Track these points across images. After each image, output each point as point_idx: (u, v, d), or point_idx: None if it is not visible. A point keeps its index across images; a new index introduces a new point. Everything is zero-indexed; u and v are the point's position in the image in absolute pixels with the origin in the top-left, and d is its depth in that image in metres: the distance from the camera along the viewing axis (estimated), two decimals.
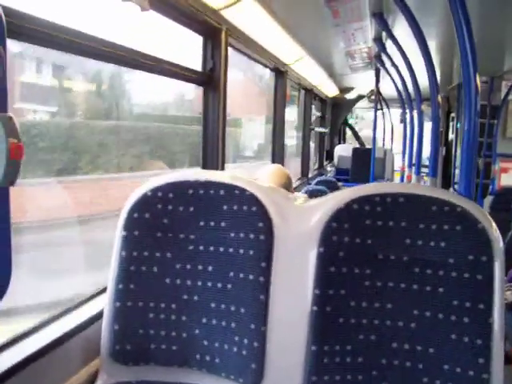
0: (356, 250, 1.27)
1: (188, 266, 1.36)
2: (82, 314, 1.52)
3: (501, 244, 1.22)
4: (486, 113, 6.12)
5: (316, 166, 8.30)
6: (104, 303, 1.39)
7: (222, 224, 1.34)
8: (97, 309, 1.53)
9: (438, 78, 6.10)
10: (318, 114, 8.10)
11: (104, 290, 1.46)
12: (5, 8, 1.15)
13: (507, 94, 5.86)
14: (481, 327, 1.21)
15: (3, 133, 0.98)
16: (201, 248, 1.35)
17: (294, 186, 5.45)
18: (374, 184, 1.39)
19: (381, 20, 3.34)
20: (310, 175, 6.74)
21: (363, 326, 1.27)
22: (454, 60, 4.98)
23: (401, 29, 3.39)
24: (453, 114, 8.35)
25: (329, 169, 8.63)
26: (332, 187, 4.50)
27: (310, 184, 5.25)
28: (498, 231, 1.23)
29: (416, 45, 2.91)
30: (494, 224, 1.23)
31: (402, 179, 6.22)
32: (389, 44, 3.99)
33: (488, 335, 1.21)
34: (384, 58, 4.60)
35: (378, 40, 4.10)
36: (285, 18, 3.13)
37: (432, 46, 3.96)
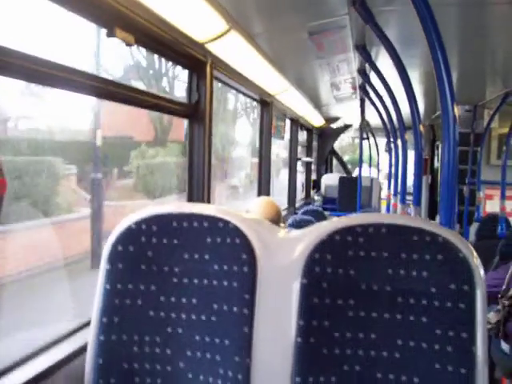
0: (339, 281, 1.27)
1: (172, 299, 1.36)
2: (65, 348, 1.51)
3: (482, 272, 1.23)
4: (470, 140, 6.20)
5: (303, 196, 8.33)
6: (88, 337, 1.39)
7: (206, 256, 1.34)
8: (80, 342, 1.52)
9: (423, 107, 6.21)
10: (304, 143, 8.16)
11: (88, 324, 1.45)
12: None
13: (490, 122, 5.95)
14: (464, 356, 1.22)
15: None
16: (185, 280, 1.36)
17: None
18: (357, 215, 1.41)
19: (364, 52, 3.40)
20: (296, 205, 6.76)
21: (347, 356, 1.27)
22: (437, 90, 5.06)
23: (383, 60, 3.45)
24: (438, 142, 8.45)
25: (316, 198, 8.66)
26: (319, 217, 4.52)
27: (296, 214, 5.26)
28: (478, 260, 1.24)
29: (399, 75, 2.96)
30: (475, 253, 1.25)
31: (387, 207, 6.25)
32: (373, 75, 4.05)
33: (472, 364, 1.21)
34: (368, 88, 4.67)
35: (362, 71, 4.17)
36: (269, 51, 3.18)
37: (415, 76, 4.03)
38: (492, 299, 3.13)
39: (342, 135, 10.12)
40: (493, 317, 3.21)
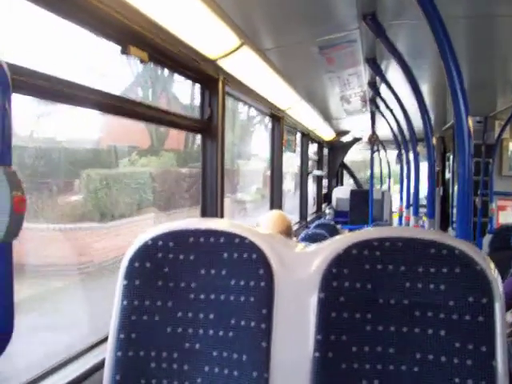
0: (356, 295, 1.27)
1: (189, 315, 1.36)
2: (83, 364, 1.51)
3: (500, 285, 1.22)
4: (482, 152, 6.18)
5: (314, 209, 8.32)
6: (105, 353, 1.39)
7: (223, 272, 1.34)
8: (97, 359, 1.52)
9: (433, 119, 6.19)
10: (315, 157, 8.17)
11: (105, 340, 1.45)
12: (9, 65, 1.19)
13: (501, 133, 5.93)
14: (484, 370, 1.21)
15: (7, 186, 1.00)
16: (202, 296, 1.36)
17: (294, 229, 5.46)
18: (373, 229, 1.41)
19: (374, 65, 3.42)
20: (308, 219, 6.76)
21: (366, 371, 1.26)
22: (448, 101, 5.07)
23: (394, 73, 3.46)
24: (448, 154, 8.43)
25: (327, 211, 8.65)
26: (331, 230, 4.51)
27: (308, 228, 5.25)
28: (496, 272, 1.24)
29: (409, 88, 2.97)
30: (492, 265, 1.24)
31: (400, 220, 6.22)
32: (383, 88, 4.07)
33: (492, 378, 1.20)
34: (379, 101, 4.68)
35: (372, 84, 4.18)
36: (280, 66, 3.20)
37: (425, 88, 4.04)
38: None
39: (354, 151, 10.12)
40: (510, 317, 3.18)
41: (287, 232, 2.56)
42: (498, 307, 1.21)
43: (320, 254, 1.31)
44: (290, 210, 6.31)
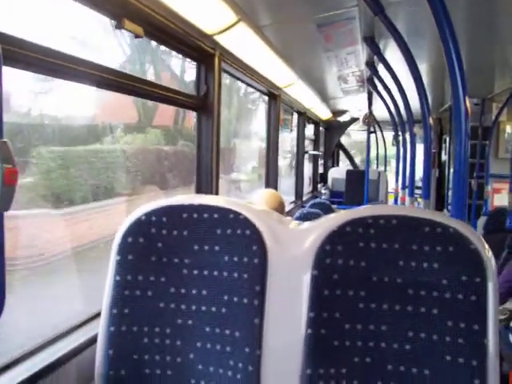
0: (350, 273, 1.27)
1: (182, 290, 1.36)
2: (76, 338, 1.51)
3: (493, 264, 1.22)
4: (478, 134, 6.17)
5: (310, 189, 8.32)
6: (98, 328, 1.39)
7: (216, 248, 1.34)
8: (90, 334, 1.52)
9: (430, 100, 6.17)
10: (312, 137, 8.15)
11: (98, 315, 1.45)
12: (0, 34, 1.17)
13: (498, 116, 5.92)
14: (475, 348, 1.21)
15: None
16: (195, 272, 1.35)
17: (289, 208, 5.46)
18: (367, 206, 1.40)
19: (372, 44, 3.39)
20: (304, 198, 6.76)
21: (358, 348, 1.27)
22: (445, 82, 5.04)
23: (392, 52, 3.43)
24: (445, 136, 8.42)
25: (323, 191, 8.65)
26: (326, 210, 4.50)
27: (304, 207, 5.25)
28: (490, 252, 1.24)
29: (407, 68, 2.95)
30: (486, 245, 1.24)
31: (395, 201, 6.23)
32: (381, 67, 4.04)
33: (483, 356, 1.21)
34: (376, 81, 4.65)
35: (370, 64, 4.15)
36: (277, 43, 3.17)
37: (423, 68, 4.01)
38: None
39: (356, 132, 10.09)
40: (509, 304, 3.22)
41: (280, 211, 2.56)
42: (491, 286, 1.21)
43: (314, 232, 1.30)
44: (285, 191, 6.27)
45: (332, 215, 1.38)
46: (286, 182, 6.89)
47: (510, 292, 3.28)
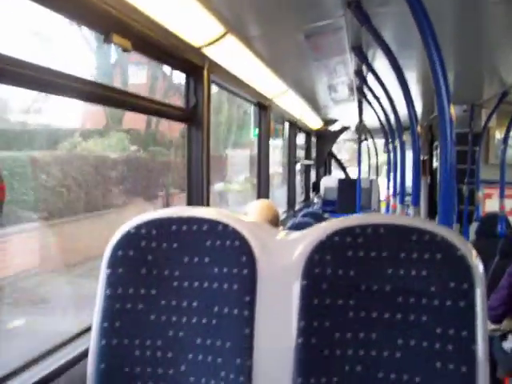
0: (339, 282, 1.28)
1: (173, 303, 1.36)
2: (67, 353, 1.51)
3: (481, 270, 1.23)
4: (468, 140, 6.21)
5: (302, 198, 8.33)
6: (89, 342, 1.39)
7: (206, 259, 1.34)
8: (82, 348, 1.52)
9: (420, 107, 6.22)
10: (303, 146, 8.17)
11: (89, 329, 1.45)
12: None
13: (487, 122, 5.96)
14: (465, 354, 1.22)
15: None
16: (185, 284, 1.36)
17: (281, 218, 5.46)
18: (355, 216, 1.41)
19: (360, 54, 3.41)
20: (296, 207, 6.77)
21: (349, 357, 1.27)
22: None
23: (380, 62, 3.46)
24: (436, 143, 8.46)
25: (315, 200, 8.67)
26: (318, 219, 4.52)
27: (296, 217, 5.26)
28: (478, 258, 1.25)
29: (396, 76, 2.97)
30: (474, 251, 1.25)
31: (387, 208, 6.24)
32: (370, 77, 4.07)
33: (472, 362, 1.21)
34: (365, 90, 4.68)
35: (359, 73, 4.18)
36: (266, 54, 3.19)
37: (412, 77, 4.04)
38: None
39: (343, 142, 10.12)
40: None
41: (274, 221, 2.56)
42: (479, 292, 1.22)
43: (302, 241, 1.31)
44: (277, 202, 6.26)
45: (320, 225, 1.38)
46: (279, 192, 6.89)
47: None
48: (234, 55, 2.85)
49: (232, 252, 1.32)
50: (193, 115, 2.56)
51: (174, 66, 2.58)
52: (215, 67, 2.74)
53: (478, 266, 1.23)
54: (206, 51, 2.52)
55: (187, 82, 2.59)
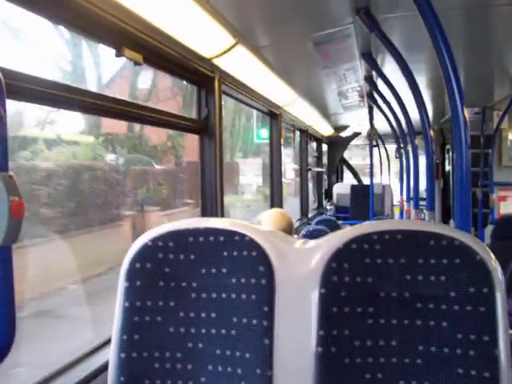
0: (357, 289, 1.27)
1: (191, 314, 1.36)
2: (87, 366, 1.52)
3: (500, 274, 1.23)
4: (480, 143, 6.17)
5: (315, 206, 8.32)
6: (108, 355, 1.39)
7: (223, 270, 1.34)
8: (101, 361, 1.52)
9: (431, 111, 6.20)
10: (315, 153, 8.17)
11: (108, 342, 1.46)
12: (3, 70, 1.19)
13: (499, 124, 5.92)
14: (487, 359, 1.21)
15: (4, 191, 1.00)
16: (203, 295, 1.36)
17: (295, 226, 5.46)
18: (372, 222, 1.41)
19: (370, 60, 3.42)
20: (309, 215, 6.75)
21: (369, 365, 1.26)
22: (445, 93, 5.05)
23: (390, 67, 3.46)
24: (448, 146, 8.42)
25: (328, 207, 8.65)
26: (332, 226, 4.50)
27: (310, 224, 5.25)
28: (496, 262, 1.24)
29: (406, 81, 2.97)
30: (492, 255, 1.25)
31: (401, 214, 6.21)
32: (380, 82, 4.06)
33: (495, 367, 1.20)
34: (376, 95, 4.68)
35: (369, 79, 4.17)
36: (276, 63, 3.20)
37: (422, 81, 4.03)
38: None
39: (353, 149, 10.10)
40: None
41: (288, 230, 2.56)
42: (499, 297, 1.21)
43: (320, 250, 1.31)
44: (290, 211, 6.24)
45: (337, 232, 1.38)
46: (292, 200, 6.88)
47: None
48: (244, 65, 2.87)
49: (249, 262, 1.32)
50: (205, 126, 2.58)
51: (185, 78, 2.60)
52: (226, 77, 2.75)
53: (498, 270, 1.22)
54: (217, 62, 2.54)
55: (198, 94, 2.61)
